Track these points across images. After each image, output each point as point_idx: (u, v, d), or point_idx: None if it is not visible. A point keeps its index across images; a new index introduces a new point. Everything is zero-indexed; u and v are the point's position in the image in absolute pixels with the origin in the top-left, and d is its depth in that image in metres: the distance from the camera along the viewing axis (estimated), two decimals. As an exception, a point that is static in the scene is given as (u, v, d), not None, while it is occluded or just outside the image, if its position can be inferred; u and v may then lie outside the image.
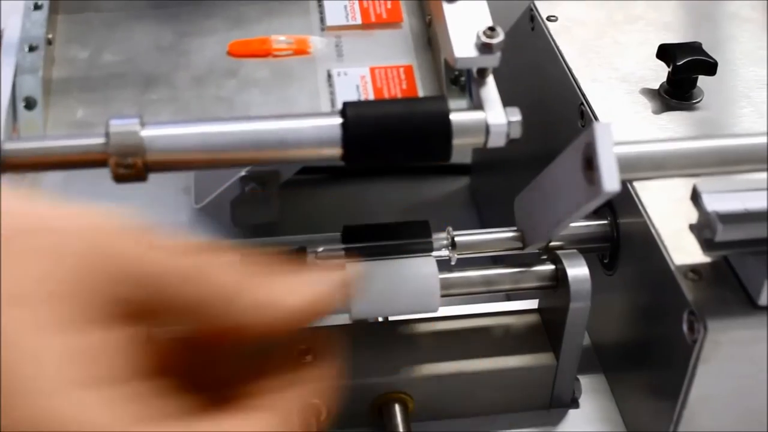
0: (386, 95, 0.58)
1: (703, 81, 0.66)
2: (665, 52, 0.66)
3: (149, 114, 0.53)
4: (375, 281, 0.57)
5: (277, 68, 0.60)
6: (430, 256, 0.59)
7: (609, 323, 0.64)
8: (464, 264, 0.61)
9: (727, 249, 0.53)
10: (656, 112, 0.66)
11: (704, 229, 0.52)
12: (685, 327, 0.53)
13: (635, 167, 0.50)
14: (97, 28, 0.62)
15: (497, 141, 0.52)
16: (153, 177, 0.51)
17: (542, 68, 0.73)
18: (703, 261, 0.55)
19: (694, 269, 0.54)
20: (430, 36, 0.61)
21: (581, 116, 0.67)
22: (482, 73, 0.54)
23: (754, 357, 0.54)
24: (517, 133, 0.52)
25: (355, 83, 0.58)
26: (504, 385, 0.62)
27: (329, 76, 0.59)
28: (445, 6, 0.56)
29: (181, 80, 0.59)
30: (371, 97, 0.57)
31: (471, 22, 0.54)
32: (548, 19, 0.73)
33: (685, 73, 0.65)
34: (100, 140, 0.50)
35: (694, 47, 0.66)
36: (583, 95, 0.67)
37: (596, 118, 0.65)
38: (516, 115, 0.52)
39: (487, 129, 0.52)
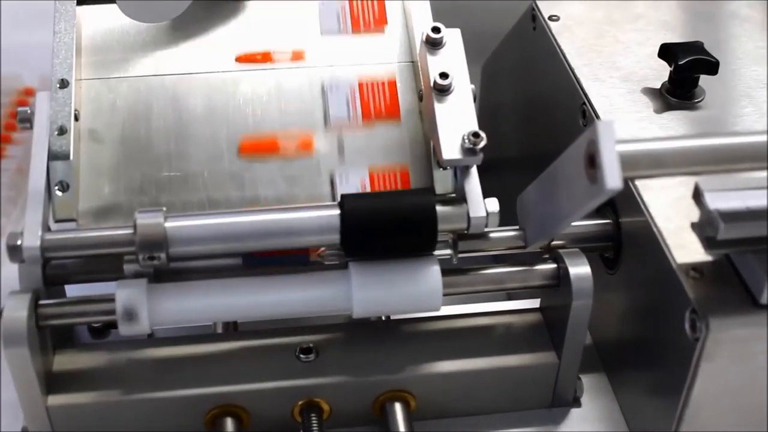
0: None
1: (704, 80, 0.66)
2: (667, 52, 0.66)
3: (167, 192, 0.61)
4: (378, 279, 0.57)
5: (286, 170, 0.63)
6: (433, 255, 0.59)
7: (611, 322, 0.64)
8: (466, 263, 0.61)
9: (729, 247, 0.53)
10: (658, 111, 0.66)
11: (706, 227, 0.52)
12: (687, 325, 0.53)
13: (637, 165, 0.51)
14: (119, 94, 0.65)
15: (477, 230, 0.59)
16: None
17: (544, 68, 0.73)
18: (705, 259, 0.55)
19: (696, 268, 0.54)
20: (421, 110, 0.65)
21: (583, 116, 0.67)
22: (466, 168, 0.60)
23: (756, 355, 0.54)
24: (495, 223, 0.59)
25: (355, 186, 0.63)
26: (506, 384, 0.62)
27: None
28: (436, 105, 0.61)
29: (195, 156, 0.63)
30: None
31: (458, 122, 0.60)
32: (550, 18, 0.73)
33: (686, 73, 0.65)
34: (128, 231, 0.56)
35: (695, 46, 0.66)
36: (585, 95, 0.67)
37: (598, 118, 0.65)
38: (494, 207, 0.59)
39: (468, 220, 0.58)
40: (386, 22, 0.67)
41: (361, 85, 0.65)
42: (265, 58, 0.67)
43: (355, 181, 0.63)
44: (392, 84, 0.66)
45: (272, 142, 0.63)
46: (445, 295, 0.58)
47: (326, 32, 0.67)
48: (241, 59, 0.66)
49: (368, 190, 0.62)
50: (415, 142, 0.64)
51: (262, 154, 0.63)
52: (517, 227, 0.61)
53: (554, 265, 0.60)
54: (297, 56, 0.67)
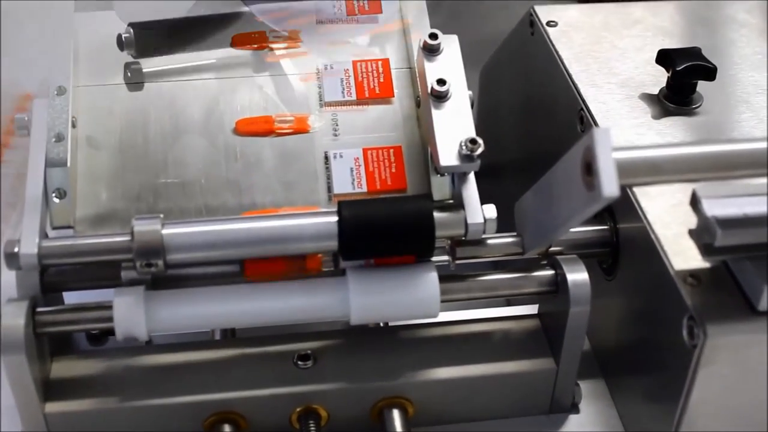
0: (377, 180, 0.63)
1: (702, 86, 0.66)
2: (665, 57, 0.66)
3: (164, 199, 0.61)
4: (375, 286, 0.57)
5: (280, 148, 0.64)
6: (430, 261, 0.59)
7: (609, 328, 0.64)
8: (464, 269, 0.61)
9: (726, 254, 0.53)
10: (656, 117, 0.66)
11: (704, 234, 0.52)
12: (684, 332, 0.53)
13: (634, 172, 0.50)
14: (117, 101, 0.65)
15: (475, 236, 0.59)
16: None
17: (542, 73, 0.73)
18: (703, 266, 0.55)
19: (694, 274, 0.54)
20: (418, 116, 0.65)
21: (581, 121, 0.67)
22: (464, 174, 0.60)
23: (753, 362, 0.54)
24: (492, 229, 0.59)
25: (349, 166, 0.63)
26: (504, 390, 0.62)
27: (326, 158, 0.63)
28: (434, 111, 0.61)
29: (192, 163, 0.63)
30: (364, 182, 0.62)
31: (456, 129, 0.60)
32: (548, 24, 0.73)
33: (684, 79, 0.65)
34: (126, 238, 0.56)
35: (693, 52, 0.66)
36: (583, 100, 0.67)
37: (596, 124, 0.65)
38: (492, 213, 0.59)
39: (466, 226, 0.58)
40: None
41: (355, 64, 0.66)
42: (261, 39, 0.67)
43: (349, 159, 0.63)
44: (385, 63, 0.66)
45: (267, 119, 0.64)
46: (442, 301, 0.58)
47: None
48: (236, 42, 0.67)
49: (362, 167, 0.63)
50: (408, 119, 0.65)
51: (258, 136, 0.64)
52: (514, 233, 0.61)
53: (552, 272, 0.60)
54: (293, 39, 0.68)
